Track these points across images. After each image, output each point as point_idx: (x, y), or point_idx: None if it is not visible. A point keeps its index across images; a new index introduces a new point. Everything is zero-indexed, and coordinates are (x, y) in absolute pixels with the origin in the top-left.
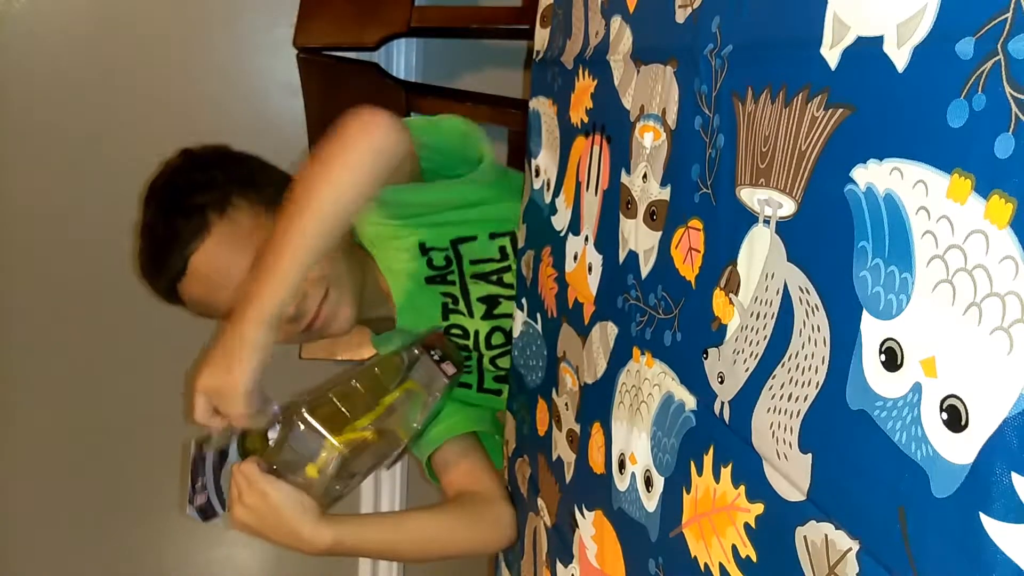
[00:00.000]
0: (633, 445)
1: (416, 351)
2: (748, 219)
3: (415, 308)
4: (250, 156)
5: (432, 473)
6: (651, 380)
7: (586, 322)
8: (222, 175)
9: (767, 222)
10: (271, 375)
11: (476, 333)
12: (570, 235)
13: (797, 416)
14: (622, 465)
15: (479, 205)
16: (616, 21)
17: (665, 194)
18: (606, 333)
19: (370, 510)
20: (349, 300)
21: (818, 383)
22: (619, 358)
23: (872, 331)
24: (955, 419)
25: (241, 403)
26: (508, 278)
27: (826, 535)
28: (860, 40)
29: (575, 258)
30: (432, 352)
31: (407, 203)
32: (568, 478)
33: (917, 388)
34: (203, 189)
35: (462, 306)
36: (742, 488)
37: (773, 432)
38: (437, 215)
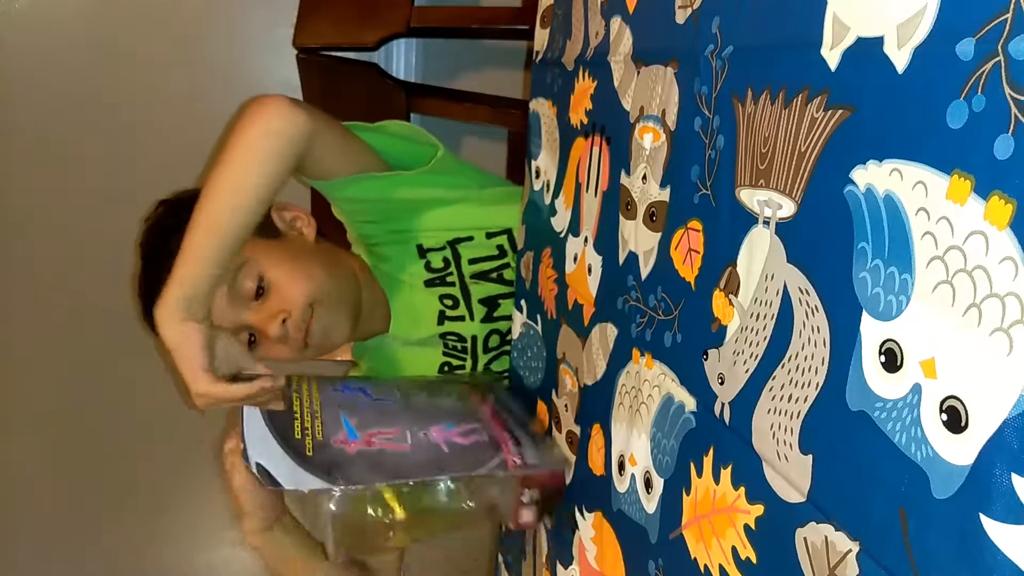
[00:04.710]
0: (633, 446)
1: None
2: (748, 220)
3: (412, 315)
4: None
5: None
6: (651, 381)
7: (586, 323)
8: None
9: (767, 223)
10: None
11: (474, 339)
12: (570, 236)
13: (797, 417)
14: (622, 466)
15: (461, 202)
16: (616, 22)
17: (665, 195)
18: (606, 334)
19: None
20: (343, 315)
21: (818, 384)
22: (619, 359)
23: (872, 332)
24: (955, 420)
25: (201, 388)
26: (508, 275)
27: (826, 536)
28: (860, 41)
29: (575, 259)
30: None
31: (383, 200)
32: (568, 480)
33: (917, 389)
34: (174, 232)
35: (462, 309)
36: (742, 490)
37: (773, 433)
38: (424, 213)
